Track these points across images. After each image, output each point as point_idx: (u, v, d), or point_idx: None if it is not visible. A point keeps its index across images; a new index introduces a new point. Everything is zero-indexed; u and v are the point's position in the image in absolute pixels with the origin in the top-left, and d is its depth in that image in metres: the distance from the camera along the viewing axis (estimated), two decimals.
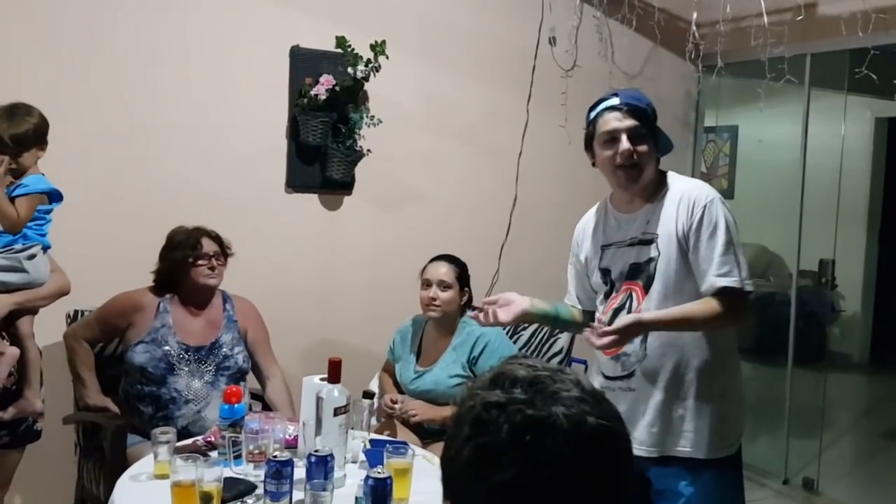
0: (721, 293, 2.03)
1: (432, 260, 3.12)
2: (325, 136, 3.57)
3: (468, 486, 0.86)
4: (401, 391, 3.13)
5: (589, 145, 2.20)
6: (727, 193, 5.07)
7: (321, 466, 2.00)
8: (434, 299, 3.02)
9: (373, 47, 3.52)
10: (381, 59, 3.53)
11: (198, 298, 2.95)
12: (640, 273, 2.15)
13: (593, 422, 0.85)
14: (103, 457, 2.78)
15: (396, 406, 2.94)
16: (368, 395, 2.86)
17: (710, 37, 4.23)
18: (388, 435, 2.83)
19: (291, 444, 2.38)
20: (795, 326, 4.29)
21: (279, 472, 1.97)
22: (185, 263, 2.88)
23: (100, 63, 3.22)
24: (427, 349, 3.12)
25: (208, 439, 2.42)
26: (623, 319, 2.03)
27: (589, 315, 2.34)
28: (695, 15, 4.10)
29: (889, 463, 4.87)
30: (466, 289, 3.11)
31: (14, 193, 2.46)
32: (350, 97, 3.59)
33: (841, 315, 6.21)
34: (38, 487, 3.10)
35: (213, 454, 2.29)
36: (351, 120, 3.60)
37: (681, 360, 2.10)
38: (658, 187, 2.17)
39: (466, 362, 2.99)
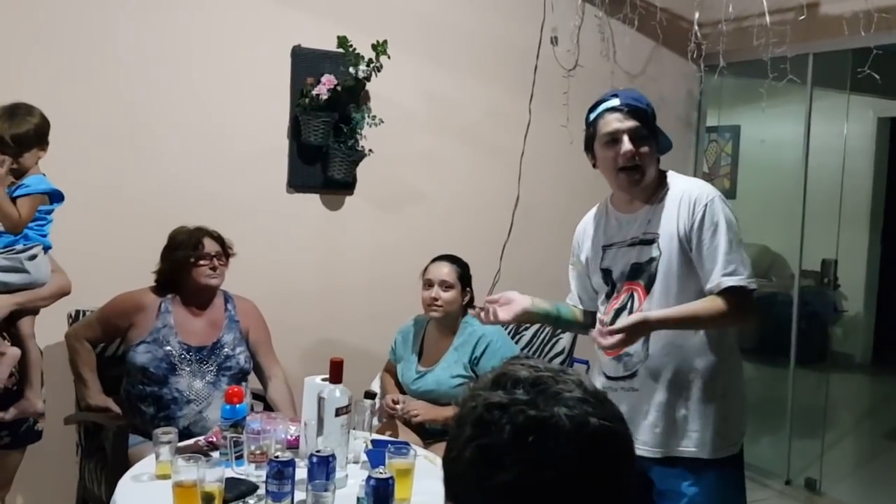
0: (727, 292, 2.03)
1: (434, 260, 3.12)
2: (326, 136, 3.57)
3: (470, 487, 0.86)
4: (402, 391, 3.12)
5: (589, 147, 2.19)
6: (729, 193, 5.05)
7: (323, 467, 2.00)
8: (436, 299, 3.01)
9: (374, 47, 3.52)
10: (383, 58, 3.53)
11: (199, 298, 2.95)
12: (642, 273, 2.14)
13: (596, 423, 0.85)
14: (105, 457, 2.78)
15: (398, 406, 2.94)
16: (370, 395, 2.87)
17: (712, 36, 4.22)
18: (390, 435, 2.83)
19: (293, 445, 2.38)
20: (798, 326, 4.28)
21: (281, 472, 1.97)
22: (187, 263, 2.88)
23: (101, 63, 3.22)
24: (429, 349, 3.12)
25: (210, 440, 2.42)
26: (630, 318, 2.02)
27: (590, 315, 2.34)
28: (697, 14, 4.11)
29: (892, 463, 4.86)
30: (468, 289, 3.10)
31: (15, 194, 2.46)
32: (351, 97, 3.59)
33: (843, 315, 6.20)
34: (39, 488, 3.09)
35: (215, 454, 2.29)
36: (352, 120, 3.59)
37: (683, 360, 2.10)
38: (658, 187, 2.16)
39: (468, 362, 2.98)
